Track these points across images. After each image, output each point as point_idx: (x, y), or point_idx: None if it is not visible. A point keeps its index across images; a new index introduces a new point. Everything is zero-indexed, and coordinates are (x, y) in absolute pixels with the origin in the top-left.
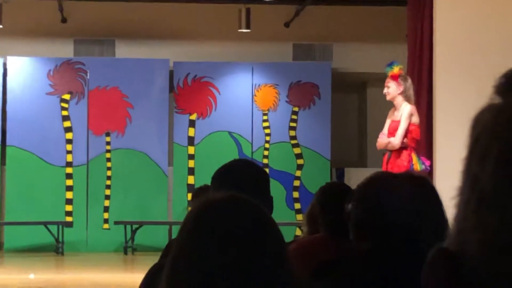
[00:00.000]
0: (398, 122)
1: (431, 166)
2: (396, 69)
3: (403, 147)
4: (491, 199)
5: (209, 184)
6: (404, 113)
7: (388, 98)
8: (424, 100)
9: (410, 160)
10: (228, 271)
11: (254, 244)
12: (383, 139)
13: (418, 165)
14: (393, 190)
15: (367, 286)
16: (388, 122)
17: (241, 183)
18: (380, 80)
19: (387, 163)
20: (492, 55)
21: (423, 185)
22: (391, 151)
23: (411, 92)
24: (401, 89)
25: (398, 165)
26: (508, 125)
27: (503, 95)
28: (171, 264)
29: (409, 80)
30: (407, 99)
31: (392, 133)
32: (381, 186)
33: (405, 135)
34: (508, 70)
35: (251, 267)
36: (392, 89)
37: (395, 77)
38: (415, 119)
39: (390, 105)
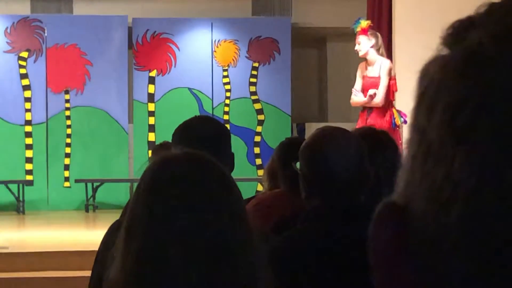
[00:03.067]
0: (375, 78)
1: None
2: (364, 24)
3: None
4: (438, 153)
5: (170, 141)
6: (384, 69)
7: (360, 54)
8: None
9: (392, 115)
10: (183, 229)
11: (209, 202)
12: (359, 97)
13: (398, 119)
14: (337, 147)
15: (318, 241)
16: (359, 78)
17: (200, 140)
18: (340, 35)
19: (366, 119)
20: (451, 10)
21: (379, 140)
22: (371, 107)
23: (382, 47)
24: (372, 42)
25: (381, 121)
26: (454, 77)
27: (450, 46)
28: (126, 224)
29: (380, 37)
30: (381, 54)
31: (370, 88)
32: (325, 143)
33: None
34: (456, 21)
35: (206, 227)
36: (363, 44)
37: (364, 32)
38: (393, 72)
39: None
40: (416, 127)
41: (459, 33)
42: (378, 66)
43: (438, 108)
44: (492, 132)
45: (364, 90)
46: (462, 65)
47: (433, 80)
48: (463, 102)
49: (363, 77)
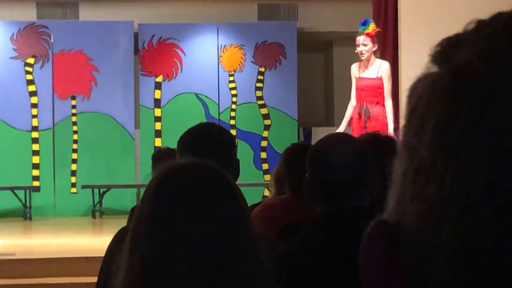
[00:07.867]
0: (373, 79)
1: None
2: (371, 27)
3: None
4: (429, 171)
5: (170, 147)
6: (386, 70)
7: (364, 57)
8: (388, 60)
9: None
10: (188, 238)
11: (214, 212)
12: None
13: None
14: (339, 153)
15: (321, 250)
16: (354, 81)
17: (205, 147)
18: (346, 39)
19: (365, 124)
20: (458, 13)
21: (384, 145)
22: (368, 113)
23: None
24: (376, 47)
25: (381, 125)
26: (444, 95)
27: (439, 64)
28: (132, 233)
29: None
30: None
31: (372, 89)
32: (327, 149)
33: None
34: (444, 39)
35: (211, 234)
36: (369, 47)
37: (371, 35)
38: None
39: None
40: (407, 145)
41: (448, 51)
42: (377, 67)
43: (428, 126)
44: (482, 148)
45: (358, 90)
46: (452, 83)
47: (422, 98)
48: (452, 120)
49: (357, 79)
